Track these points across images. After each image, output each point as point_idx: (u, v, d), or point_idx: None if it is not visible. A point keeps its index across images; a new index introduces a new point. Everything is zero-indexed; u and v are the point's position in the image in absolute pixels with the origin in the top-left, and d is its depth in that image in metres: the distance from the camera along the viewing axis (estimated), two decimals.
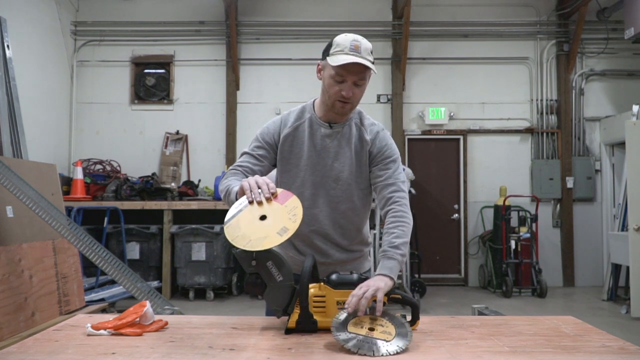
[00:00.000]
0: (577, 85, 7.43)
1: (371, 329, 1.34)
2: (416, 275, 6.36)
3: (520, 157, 7.41)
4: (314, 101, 1.86)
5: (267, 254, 1.46)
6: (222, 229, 6.11)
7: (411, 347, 1.32)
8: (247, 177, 1.68)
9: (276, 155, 1.83)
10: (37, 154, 5.83)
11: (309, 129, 1.81)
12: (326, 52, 1.71)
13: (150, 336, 1.41)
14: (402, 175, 1.79)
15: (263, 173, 1.79)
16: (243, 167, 1.78)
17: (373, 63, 1.69)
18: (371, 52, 1.69)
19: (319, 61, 1.78)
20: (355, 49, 1.64)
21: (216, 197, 6.63)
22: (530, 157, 7.40)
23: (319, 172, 1.79)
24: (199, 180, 7.11)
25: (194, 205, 6.42)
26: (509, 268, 6.52)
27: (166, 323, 1.51)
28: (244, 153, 1.83)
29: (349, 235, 1.85)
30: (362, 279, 1.49)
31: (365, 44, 1.68)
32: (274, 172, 1.89)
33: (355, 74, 1.67)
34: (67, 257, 4.34)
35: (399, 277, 5.92)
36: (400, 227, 1.66)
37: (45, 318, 3.85)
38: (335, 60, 1.65)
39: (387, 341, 1.30)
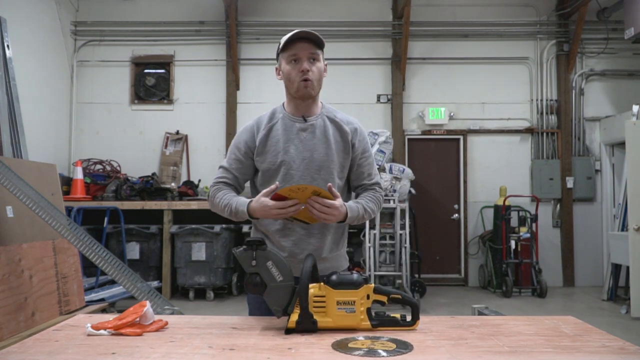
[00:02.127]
0: (577, 85, 7.43)
1: (372, 345, 1.34)
2: (416, 275, 6.36)
3: (520, 157, 7.41)
4: (283, 103, 1.93)
5: (267, 253, 1.47)
6: (222, 228, 6.15)
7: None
8: (230, 188, 1.86)
9: (253, 161, 1.87)
10: (37, 154, 5.83)
11: (283, 127, 1.86)
12: (277, 52, 1.86)
13: (150, 336, 1.41)
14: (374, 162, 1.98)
15: (241, 181, 1.90)
16: (225, 183, 1.87)
17: (322, 44, 1.80)
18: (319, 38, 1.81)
19: (275, 66, 1.91)
20: (300, 31, 1.78)
21: None
22: (530, 157, 7.40)
23: (298, 165, 1.82)
24: (199, 180, 7.12)
25: (194, 205, 6.41)
26: (509, 268, 6.52)
27: (166, 323, 1.51)
28: (222, 167, 1.91)
29: (331, 225, 1.86)
30: (362, 279, 1.49)
31: (312, 32, 1.79)
32: None
33: (305, 47, 1.78)
34: (67, 257, 4.35)
35: (399, 277, 5.92)
36: (375, 205, 1.87)
37: (45, 318, 3.85)
38: (284, 42, 1.79)
39: (388, 350, 1.30)
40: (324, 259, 1.86)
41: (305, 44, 1.78)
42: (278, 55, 1.85)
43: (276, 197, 1.65)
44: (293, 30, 1.80)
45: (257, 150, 1.85)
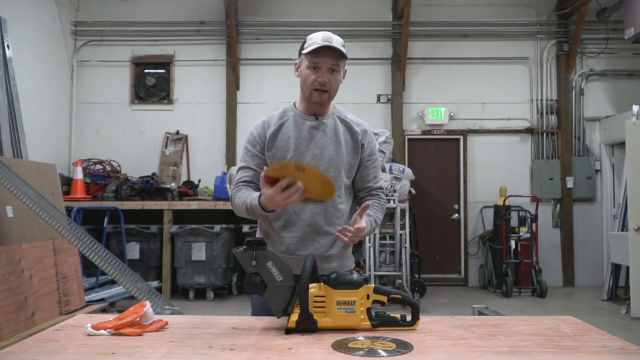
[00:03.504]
0: (577, 85, 7.43)
1: (372, 345, 1.34)
2: (416, 275, 6.36)
3: (520, 157, 7.41)
4: (294, 102, 1.94)
5: (267, 253, 1.47)
6: (222, 228, 6.15)
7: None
8: (250, 186, 1.84)
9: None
10: (37, 154, 5.83)
11: (294, 124, 1.87)
12: (301, 49, 1.82)
13: (150, 336, 1.41)
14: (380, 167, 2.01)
15: None
16: (246, 182, 1.86)
17: (345, 56, 1.80)
18: (343, 45, 1.80)
19: (295, 61, 1.88)
20: (327, 40, 1.76)
21: (216, 197, 6.63)
22: (530, 157, 7.40)
23: (307, 162, 1.82)
24: (199, 180, 7.11)
25: (194, 205, 6.42)
26: (509, 268, 6.52)
27: (166, 323, 1.51)
28: (241, 168, 1.89)
29: (338, 223, 1.86)
30: (362, 279, 1.49)
31: (337, 37, 1.80)
32: None
33: (328, 59, 1.77)
34: (67, 257, 4.34)
35: (399, 277, 5.92)
36: (382, 214, 1.93)
37: (45, 318, 3.85)
38: (309, 48, 1.77)
39: (388, 350, 1.30)
40: (330, 258, 1.86)
41: (329, 54, 1.77)
42: (300, 52, 1.83)
43: (269, 181, 1.58)
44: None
45: (268, 145, 1.85)
